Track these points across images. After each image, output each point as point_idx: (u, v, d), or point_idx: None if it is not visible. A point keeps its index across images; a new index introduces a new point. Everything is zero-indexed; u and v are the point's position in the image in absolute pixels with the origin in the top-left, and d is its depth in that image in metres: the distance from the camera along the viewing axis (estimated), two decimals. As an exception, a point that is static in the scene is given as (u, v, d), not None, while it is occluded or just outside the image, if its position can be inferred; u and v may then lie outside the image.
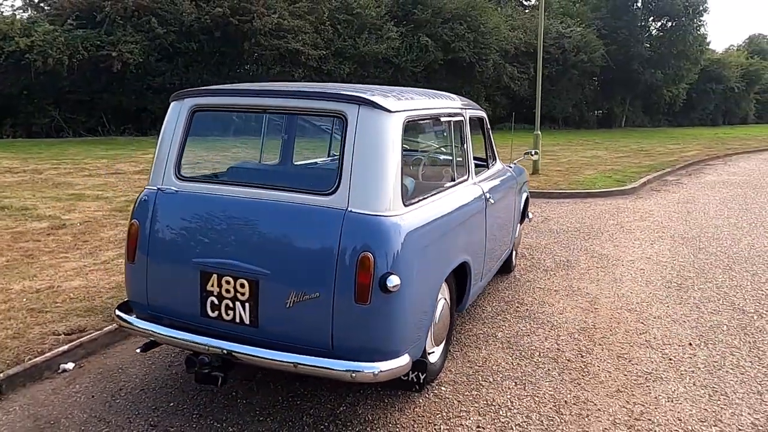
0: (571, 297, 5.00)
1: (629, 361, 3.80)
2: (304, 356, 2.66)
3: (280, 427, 2.98)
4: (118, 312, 3.15)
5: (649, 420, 3.10)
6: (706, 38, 33.17)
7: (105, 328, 3.94)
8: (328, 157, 4.67)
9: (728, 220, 8.47)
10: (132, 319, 3.07)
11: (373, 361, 2.64)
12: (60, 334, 3.91)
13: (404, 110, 2.90)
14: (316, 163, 4.73)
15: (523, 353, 3.87)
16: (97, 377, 3.49)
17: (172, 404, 3.18)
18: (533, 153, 6.03)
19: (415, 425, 3.02)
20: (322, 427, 2.99)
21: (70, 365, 3.59)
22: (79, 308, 4.35)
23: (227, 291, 2.82)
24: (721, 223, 8.19)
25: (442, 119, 3.68)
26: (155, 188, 3.10)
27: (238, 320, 2.82)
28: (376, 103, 2.76)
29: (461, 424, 3.03)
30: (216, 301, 2.85)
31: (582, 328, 4.32)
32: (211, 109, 3.18)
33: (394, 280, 2.58)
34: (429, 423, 3.04)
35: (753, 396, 3.37)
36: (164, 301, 3.04)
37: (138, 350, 3.17)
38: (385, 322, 2.66)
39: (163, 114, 3.21)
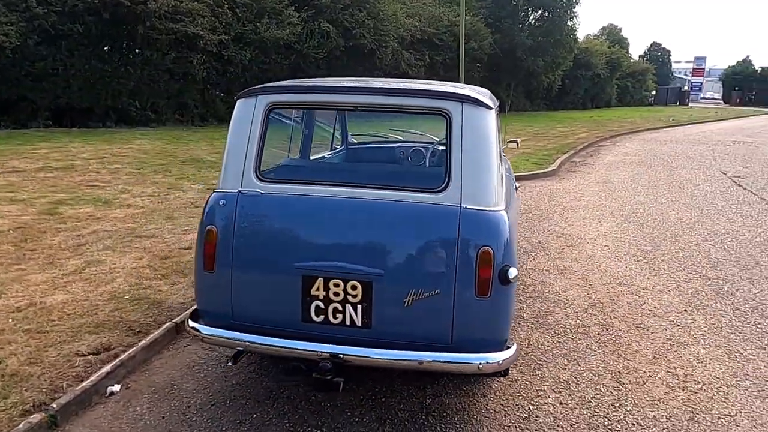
0: (564, 276, 5.37)
1: (647, 330, 4.21)
2: (427, 353, 2.68)
3: (381, 425, 2.98)
4: (197, 325, 2.94)
5: (695, 381, 3.49)
6: (577, 28, 36.05)
7: (140, 344, 3.63)
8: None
9: (648, 197, 9.43)
10: (220, 331, 2.89)
11: (488, 352, 2.73)
12: (86, 354, 3.56)
13: (495, 106, 2.98)
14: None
15: (556, 331, 4.14)
16: (153, 397, 3.23)
17: (255, 416, 3.05)
18: (516, 142, 6.00)
19: (505, 409, 3.16)
20: (420, 419, 3.03)
21: (116, 387, 3.29)
22: (86, 324, 3.97)
23: (336, 294, 2.75)
24: (644, 200, 9.11)
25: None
26: (234, 191, 2.92)
27: (348, 323, 2.76)
28: (479, 100, 2.81)
29: (545, 403, 3.22)
30: (322, 305, 2.77)
31: (591, 304, 4.68)
32: (290, 107, 3.04)
33: (513, 272, 2.68)
34: (516, 405, 3.19)
35: (760, 351, 3.89)
36: (255, 309, 2.89)
37: (230, 363, 2.98)
38: (502, 313, 2.75)
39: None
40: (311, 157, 4.12)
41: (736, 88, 62.52)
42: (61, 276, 4.91)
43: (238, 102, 3.04)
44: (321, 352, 2.71)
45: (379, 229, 2.78)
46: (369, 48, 25.26)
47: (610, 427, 3.01)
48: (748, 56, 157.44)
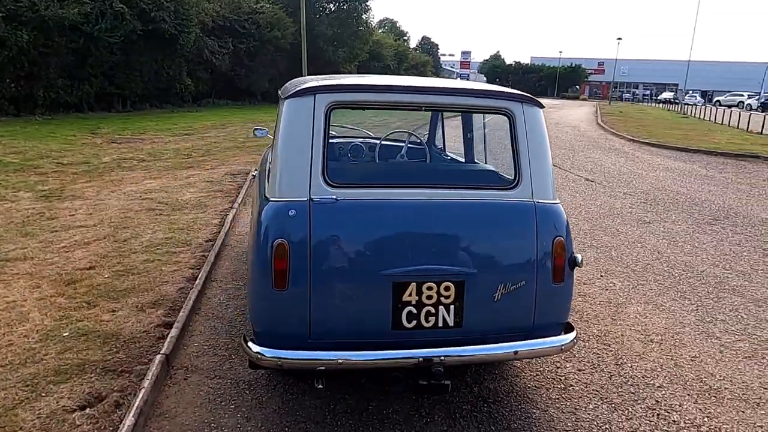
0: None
1: (721, 282, 5.15)
2: (518, 342, 2.80)
3: (454, 420, 3.01)
4: (267, 350, 2.62)
5: (653, 332, 4.16)
6: (372, 21, 37.82)
7: (144, 385, 3.08)
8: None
9: (593, 173, 10.78)
10: (301, 353, 2.62)
11: (558, 334, 2.95)
12: (78, 409, 2.93)
13: None
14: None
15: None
16: (196, 441, 2.81)
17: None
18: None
19: (543, 384, 3.42)
20: (483, 407, 3.14)
21: (144, 439, 2.78)
22: (39, 375, 3.25)
23: (429, 297, 2.70)
24: (596, 178, 10.37)
25: None
26: (303, 199, 2.65)
27: (440, 324, 2.74)
28: (536, 100, 2.97)
29: (569, 372, 3.56)
30: (414, 311, 2.70)
31: (646, 265, 5.54)
32: (352, 106, 2.83)
33: (580, 258, 2.93)
34: (549, 380, 3.48)
35: (675, 302, 4.77)
36: (337, 324, 2.68)
37: (320, 386, 2.71)
38: (569, 297, 2.98)
39: None
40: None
41: (497, 80, 71.73)
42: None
43: (288, 102, 2.76)
44: (422, 358, 2.66)
45: (464, 227, 2.79)
46: (170, 33, 23.41)
47: (624, 376, 3.46)
48: (498, 51, 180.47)
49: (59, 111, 20.79)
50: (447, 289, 2.71)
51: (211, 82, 28.39)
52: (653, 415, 3.12)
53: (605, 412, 3.13)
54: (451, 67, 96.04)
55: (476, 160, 4.19)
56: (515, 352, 2.79)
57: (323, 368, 2.68)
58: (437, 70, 72.26)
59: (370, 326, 2.71)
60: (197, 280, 4.61)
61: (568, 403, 3.22)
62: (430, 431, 2.94)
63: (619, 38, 76.12)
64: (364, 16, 36.18)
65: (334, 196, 2.68)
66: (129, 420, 2.76)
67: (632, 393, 3.34)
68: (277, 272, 2.61)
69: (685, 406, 3.22)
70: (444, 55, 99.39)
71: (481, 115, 3.43)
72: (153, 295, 4.42)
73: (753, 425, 3.05)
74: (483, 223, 2.81)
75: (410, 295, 2.69)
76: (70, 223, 6.41)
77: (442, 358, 2.68)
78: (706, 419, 3.10)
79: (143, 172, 9.89)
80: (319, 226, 2.63)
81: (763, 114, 24.25)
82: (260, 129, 5.72)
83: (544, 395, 3.29)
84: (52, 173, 9.60)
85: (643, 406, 3.20)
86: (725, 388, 3.42)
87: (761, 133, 20.97)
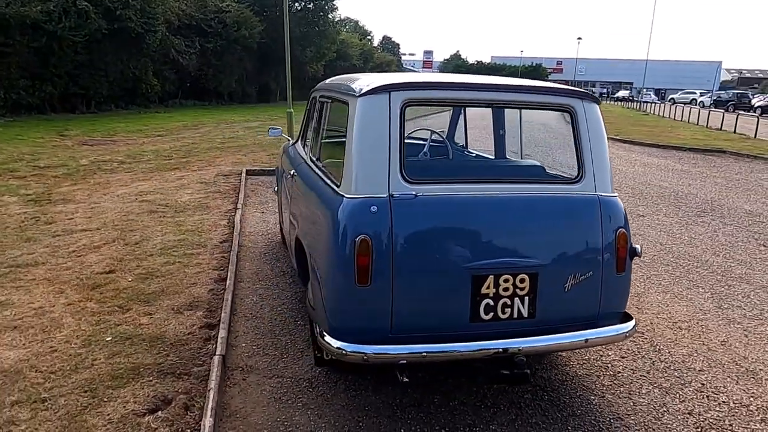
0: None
1: (726, 271, 5.35)
2: (586, 331, 2.90)
3: (520, 410, 3.09)
4: (350, 345, 2.65)
5: (673, 318, 4.34)
6: (338, 20, 37.67)
7: (212, 386, 3.05)
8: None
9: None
10: (386, 348, 2.65)
11: (618, 323, 3.06)
12: (147, 413, 2.88)
13: None
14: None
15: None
16: (275, 440, 2.80)
17: (403, 430, 2.89)
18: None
19: (594, 371, 3.54)
20: (543, 396, 3.22)
21: (224, 440, 2.76)
22: (94, 380, 3.18)
23: (505, 290, 2.77)
24: None
25: None
26: (383, 195, 2.68)
27: (515, 316, 2.81)
28: (595, 96, 3.08)
29: (613, 360, 3.69)
30: (491, 303, 2.77)
31: (653, 257, 5.72)
32: (425, 103, 2.88)
33: (639, 248, 3.05)
34: (597, 367, 3.60)
35: (689, 291, 4.98)
36: (418, 318, 2.72)
37: (406, 379, 2.74)
38: (628, 286, 3.09)
39: None
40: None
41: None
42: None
43: (361, 100, 2.78)
44: (501, 348, 2.72)
45: (535, 221, 2.87)
46: (136, 32, 22.85)
47: (665, 361, 3.61)
48: (458, 51, 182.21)
49: (21, 113, 20.03)
50: (522, 281, 2.79)
51: (177, 82, 27.83)
52: (703, 397, 3.27)
53: (658, 396, 3.27)
54: (412, 66, 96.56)
55: (507, 156, 4.28)
56: (586, 341, 2.89)
57: (404, 362, 2.72)
58: (400, 70, 72.56)
59: (450, 319, 2.77)
60: (227, 281, 4.56)
61: (621, 389, 3.34)
62: (499, 420, 3.01)
63: (579, 38, 78.44)
64: (330, 16, 36.10)
65: (414, 192, 2.72)
66: (207, 421, 2.73)
67: (678, 377, 3.48)
68: (360, 268, 2.63)
69: (729, 388, 3.38)
70: (405, 54, 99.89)
71: (537, 111, 3.53)
72: (185, 297, 4.35)
73: (795, 402, 3.24)
74: (553, 216, 2.90)
75: (488, 287, 2.75)
76: (72, 227, 6.23)
77: (520, 348, 2.75)
78: (751, 399, 3.27)
79: (128, 174, 9.66)
80: (400, 222, 2.67)
81: (723, 111, 25.31)
82: (274, 129, 5.69)
83: (597, 382, 3.41)
84: (31, 177, 9.28)
85: (691, 389, 3.35)
86: (760, 370, 3.61)
87: (720, 129, 21.88)
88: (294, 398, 3.14)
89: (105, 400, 2.99)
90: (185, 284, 4.61)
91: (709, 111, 27.27)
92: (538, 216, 2.88)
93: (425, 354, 2.67)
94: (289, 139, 5.80)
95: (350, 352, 2.65)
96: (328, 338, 2.75)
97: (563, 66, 72.25)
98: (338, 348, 2.68)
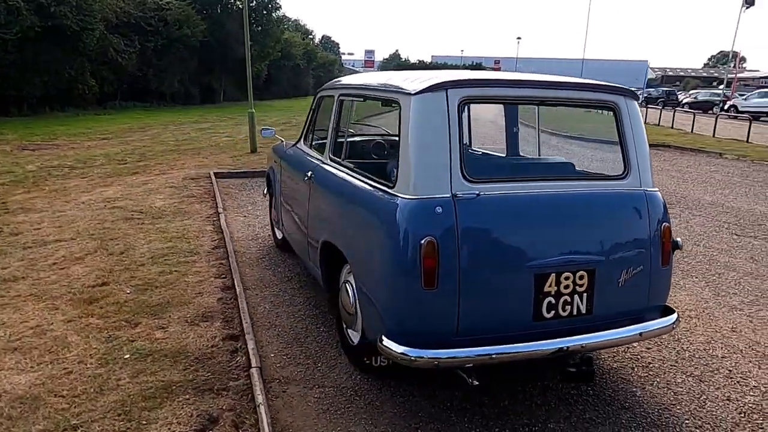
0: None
1: (711, 260, 5.47)
2: (641, 324, 2.93)
3: (572, 406, 3.10)
4: (415, 351, 2.56)
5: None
6: (282, 19, 37.02)
7: (260, 401, 2.89)
8: None
9: None
10: (456, 351, 2.58)
11: (660, 316, 3.11)
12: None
13: None
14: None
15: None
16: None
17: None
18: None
19: (629, 362, 3.60)
20: (590, 390, 3.25)
21: (286, 457, 2.61)
22: (126, 402, 2.97)
23: (566, 287, 2.76)
24: None
25: None
26: (446, 195, 2.61)
27: (575, 313, 2.80)
28: (634, 93, 3.12)
29: (642, 350, 3.76)
30: (553, 301, 2.75)
31: None
32: (481, 101, 2.82)
33: (680, 241, 3.11)
34: (632, 359, 3.66)
35: (700, 281, 5.17)
36: (483, 319, 2.68)
37: (476, 382, 2.66)
38: (670, 278, 3.16)
39: None
40: None
41: (402, 79, 72.86)
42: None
43: (416, 98, 2.70)
44: (567, 347, 2.71)
45: (591, 217, 2.88)
46: (73, 29, 21.67)
47: (688, 350, 3.71)
48: (397, 50, 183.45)
49: (-54, 116, 18.62)
50: (581, 277, 2.79)
51: (116, 83, 26.61)
52: (735, 383, 3.38)
53: (694, 385, 3.35)
54: (352, 66, 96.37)
55: (521, 153, 4.29)
56: (640, 334, 2.93)
57: (471, 365, 2.66)
58: (342, 70, 72.30)
59: (514, 318, 2.74)
60: (237, 289, 4.36)
61: (658, 380, 3.41)
62: (555, 417, 2.99)
63: (519, 38, 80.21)
64: (274, 14, 35.44)
65: (476, 191, 2.66)
66: (266, 438, 2.59)
67: (705, 365, 3.59)
68: (426, 271, 2.56)
69: (755, 372, 3.51)
70: (344, 54, 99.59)
71: (580, 107, 3.55)
72: (195, 308, 4.13)
73: (817, 383, 3.40)
74: (606, 212, 2.92)
75: (550, 285, 2.74)
76: (43, 238, 5.82)
77: (583, 345, 2.75)
78: (777, 382, 3.41)
79: (84, 180, 9.15)
80: (465, 222, 2.62)
81: (660, 108, 26.62)
82: (267, 129, 5.50)
83: (633, 374, 3.47)
84: (-25, 186, 8.63)
85: (721, 376, 3.47)
86: (775, 353, 3.78)
87: (659, 125, 23.00)
88: (343, 408, 3.02)
89: (144, 423, 2.78)
90: (190, 294, 4.38)
91: (647, 108, 28.62)
92: (593, 212, 2.89)
93: (494, 355, 2.62)
94: (282, 140, 5.62)
95: (418, 357, 2.57)
96: (389, 343, 2.65)
97: (501, 65, 73.98)
98: (402, 353, 2.59)
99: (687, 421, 2.99)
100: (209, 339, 3.65)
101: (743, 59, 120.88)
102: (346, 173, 3.41)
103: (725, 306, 4.56)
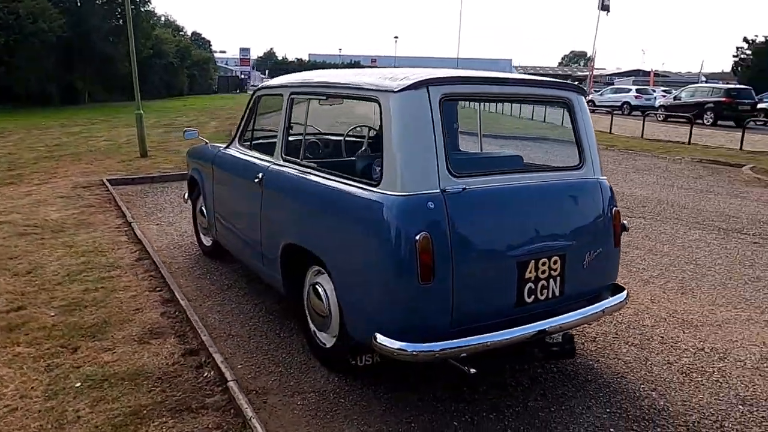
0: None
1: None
2: (601, 302, 3.19)
3: (555, 387, 3.30)
4: (412, 345, 2.60)
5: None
6: (152, 14, 34.79)
7: (251, 415, 2.74)
8: None
9: None
10: (452, 342, 2.63)
11: (612, 293, 3.40)
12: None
13: None
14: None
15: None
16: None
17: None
18: None
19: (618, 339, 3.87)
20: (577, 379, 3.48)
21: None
22: (120, 415, 2.69)
23: (543, 272, 2.93)
24: None
25: None
26: (435, 191, 2.66)
27: (550, 296, 2.98)
28: (583, 89, 3.37)
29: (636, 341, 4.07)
30: (533, 286, 2.91)
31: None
32: (459, 98, 2.86)
33: (627, 224, 3.42)
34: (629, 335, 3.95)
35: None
36: (474, 309, 2.76)
37: (473, 370, 2.70)
38: (619, 258, 3.45)
39: None
40: None
41: (281, 77, 71.61)
42: None
43: (401, 95, 2.72)
44: (547, 328, 2.88)
45: (559, 206, 3.07)
46: None
47: (621, 322, 4.09)
48: (272, 48, 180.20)
49: None
50: (555, 262, 2.98)
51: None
52: (669, 348, 3.78)
53: (638, 353, 3.70)
54: (225, 64, 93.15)
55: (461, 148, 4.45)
56: (603, 311, 3.18)
57: (464, 354, 2.74)
58: (215, 69, 69.59)
59: (500, 306, 2.86)
60: (182, 302, 4.09)
61: (607, 351, 3.71)
62: (533, 396, 3.16)
63: (396, 37, 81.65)
64: (143, 9, 33.23)
65: (462, 186, 2.75)
66: None
67: (640, 334, 3.97)
68: (423, 265, 2.60)
69: (681, 337, 3.95)
70: (216, 51, 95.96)
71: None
72: (138, 325, 3.83)
73: None
74: (571, 200, 3.14)
75: (530, 272, 2.90)
76: None
77: (560, 325, 2.95)
78: (702, 343, 3.87)
79: (-52, 193, 8.07)
80: (455, 216, 2.69)
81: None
82: (189, 131, 5.20)
83: (585, 349, 3.74)
84: None
85: (656, 342, 3.85)
86: (692, 319, 4.27)
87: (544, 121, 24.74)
88: (331, 412, 2.97)
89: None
90: (128, 311, 4.05)
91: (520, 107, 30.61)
92: (562, 201, 3.10)
93: (488, 343, 2.73)
94: (207, 141, 5.34)
95: (418, 351, 2.61)
96: (384, 340, 2.66)
97: (378, 64, 75.44)
98: (400, 349, 2.62)
99: (642, 386, 3.30)
100: (167, 356, 3.41)
101: (591, 58, 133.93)
102: (312, 173, 3.34)
103: (639, 280, 5.07)
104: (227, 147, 4.71)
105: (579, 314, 3.06)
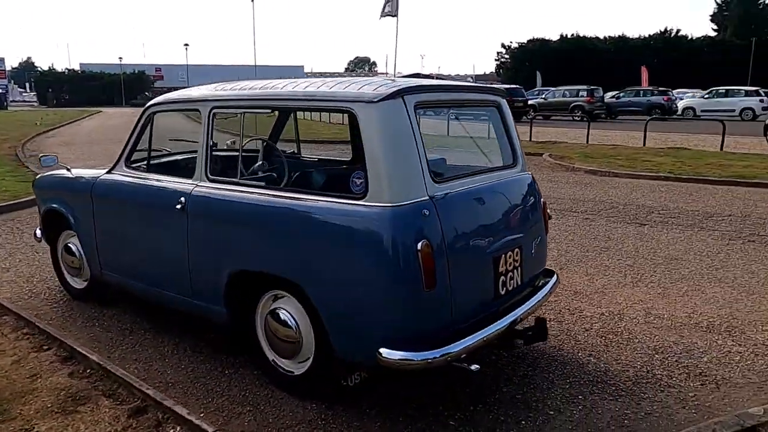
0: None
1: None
2: (547, 286, 3.51)
3: (516, 370, 3.52)
4: (417, 354, 2.62)
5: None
6: None
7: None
8: None
9: None
10: (454, 346, 2.68)
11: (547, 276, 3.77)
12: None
13: None
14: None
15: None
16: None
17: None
18: None
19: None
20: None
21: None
22: None
23: (510, 264, 3.14)
24: None
25: None
26: (424, 198, 2.69)
27: (517, 285, 3.22)
28: (506, 94, 3.65)
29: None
30: (504, 279, 3.10)
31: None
32: (430, 106, 2.90)
33: (549, 212, 3.81)
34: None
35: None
36: (466, 309, 2.87)
37: (476, 367, 2.73)
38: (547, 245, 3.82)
39: None
40: None
41: (50, 90, 63.14)
42: None
43: (380, 105, 2.70)
44: (520, 315, 3.12)
45: (515, 201, 3.32)
46: None
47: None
48: (29, 57, 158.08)
49: None
50: (517, 254, 3.23)
51: None
52: (578, 318, 4.30)
53: (556, 324, 4.14)
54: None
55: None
56: (549, 293, 3.52)
57: (464, 354, 2.83)
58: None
59: (483, 301, 3.03)
60: (92, 357, 3.47)
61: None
62: (504, 381, 3.35)
63: (186, 44, 76.24)
64: None
65: (445, 191, 2.82)
66: None
67: (552, 308, 4.44)
68: (427, 272, 2.63)
69: (582, 306, 4.51)
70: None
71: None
72: (47, 393, 3.19)
73: None
74: (520, 195, 3.43)
75: (503, 265, 3.10)
76: None
77: (527, 310, 3.22)
78: (597, 309, 4.46)
79: None
80: (444, 220, 2.76)
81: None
82: (47, 156, 4.42)
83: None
84: None
85: (568, 314, 4.35)
86: (586, 291, 4.89)
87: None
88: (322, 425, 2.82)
89: None
90: (22, 380, 3.33)
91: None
92: (515, 196, 3.38)
93: (485, 338, 2.85)
94: (67, 167, 4.58)
95: (432, 358, 2.64)
96: (390, 353, 2.63)
97: (163, 73, 70.70)
98: (408, 360, 2.63)
99: (580, 354, 3.72)
100: (112, 422, 2.90)
101: (374, 63, 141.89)
102: (261, 192, 3.11)
103: (572, 262, 5.60)
104: (109, 172, 4.11)
105: (537, 298, 3.35)
